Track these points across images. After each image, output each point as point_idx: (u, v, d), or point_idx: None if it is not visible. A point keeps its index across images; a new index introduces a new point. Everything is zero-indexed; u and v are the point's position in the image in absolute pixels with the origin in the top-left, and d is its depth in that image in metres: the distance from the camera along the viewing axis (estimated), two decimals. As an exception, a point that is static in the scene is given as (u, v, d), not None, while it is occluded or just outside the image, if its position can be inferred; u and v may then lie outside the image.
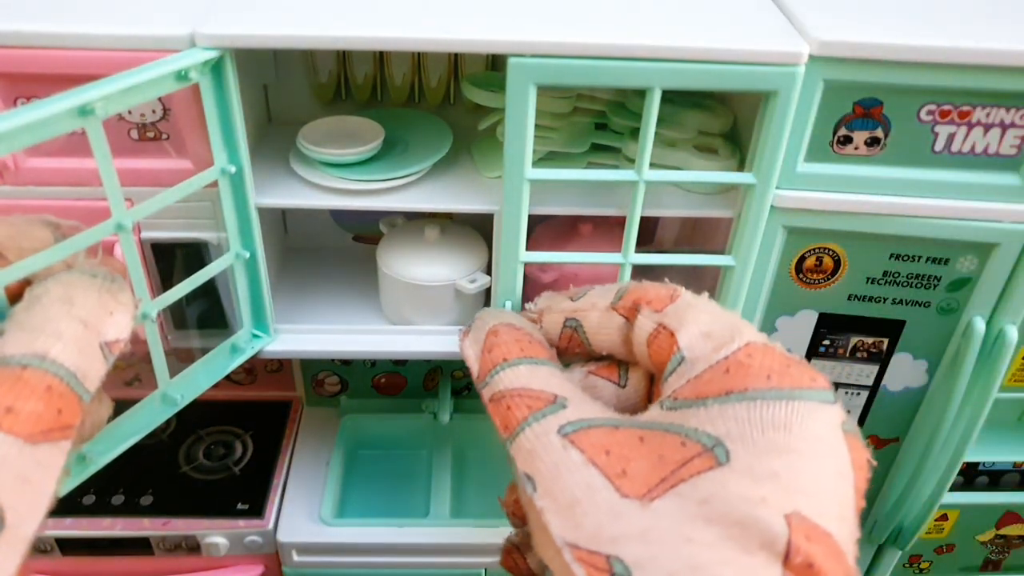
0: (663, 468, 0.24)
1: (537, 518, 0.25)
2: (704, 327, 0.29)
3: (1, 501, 0.23)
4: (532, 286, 0.65)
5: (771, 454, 0.24)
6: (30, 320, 0.27)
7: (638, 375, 0.33)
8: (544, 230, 0.65)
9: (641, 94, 0.60)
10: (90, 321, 0.29)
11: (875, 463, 0.26)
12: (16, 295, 0.31)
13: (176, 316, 0.61)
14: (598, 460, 0.25)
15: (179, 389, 0.50)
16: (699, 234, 0.69)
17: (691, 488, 0.23)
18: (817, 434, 0.24)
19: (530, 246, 0.65)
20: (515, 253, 0.49)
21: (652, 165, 0.59)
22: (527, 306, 0.39)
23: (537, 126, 0.60)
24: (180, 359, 0.55)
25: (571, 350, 0.36)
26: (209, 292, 0.59)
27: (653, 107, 0.46)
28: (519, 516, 0.33)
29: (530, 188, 0.52)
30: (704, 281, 0.65)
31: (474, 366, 0.32)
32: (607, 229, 0.63)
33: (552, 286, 0.62)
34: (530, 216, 0.61)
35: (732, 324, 0.29)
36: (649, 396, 0.33)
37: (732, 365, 0.27)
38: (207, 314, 0.60)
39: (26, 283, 0.31)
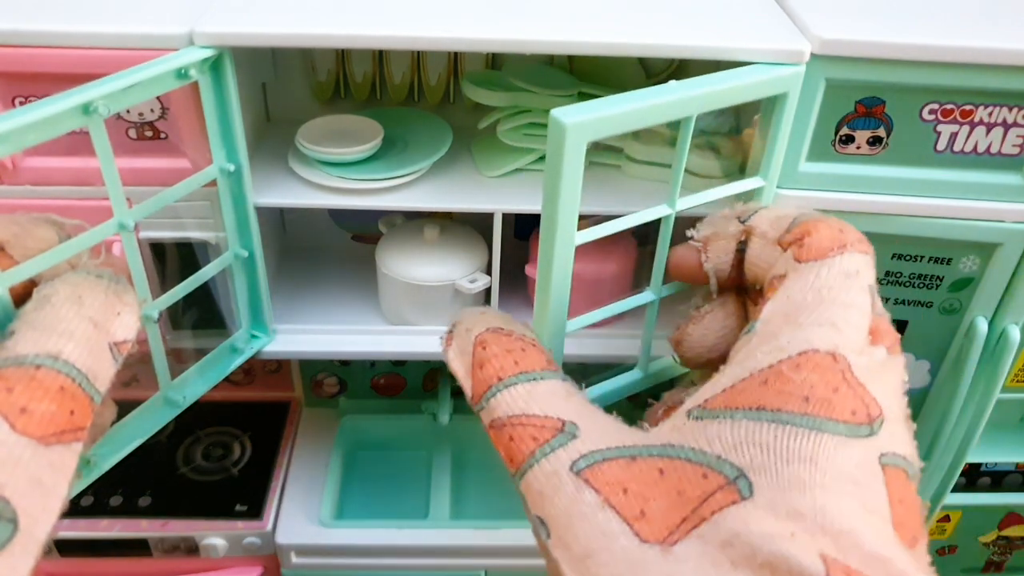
0: (684, 506, 0.22)
1: (554, 568, 0.24)
2: (797, 300, 0.26)
3: (15, 504, 0.23)
4: (533, 287, 0.65)
5: (795, 489, 0.22)
6: (41, 320, 0.27)
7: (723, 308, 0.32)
8: (544, 230, 0.64)
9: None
10: (99, 321, 0.28)
11: (927, 503, 0.24)
12: (20, 295, 0.30)
13: (173, 317, 0.61)
14: (614, 500, 0.23)
15: (180, 391, 0.50)
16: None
17: (713, 528, 0.22)
18: (843, 469, 0.22)
19: (531, 246, 0.65)
20: (560, 325, 0.46)
21: (654, 164, 0.59)
22: (690, 234, 0.35)
23: (537, 124, 0.60)
24: (177, 360, 0.54)
25: (729, 279, 0.32)
26: (205, 292, 0.59)
27: (687, 138, 0.43)
28: None
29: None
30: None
31: (465, 383, 0.30)
32: (608, 229, 0.63)
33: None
34: (530, 216, 0.61)
35: (820, 310, 0.26)
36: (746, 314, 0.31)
37: (773, 376, 0.24)
38: (203, 314, 0.60)
39: (31, 283, 0.31)
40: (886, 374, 0.25)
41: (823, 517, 0.21)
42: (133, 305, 0.30)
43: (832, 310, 0.26)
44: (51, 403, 0.25)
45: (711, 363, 0.30)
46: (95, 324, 0.28)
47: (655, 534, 0.22)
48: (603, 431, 0.26)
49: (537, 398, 0.27)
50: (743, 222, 0.32)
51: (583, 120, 0.36)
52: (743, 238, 0.31)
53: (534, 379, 0.28)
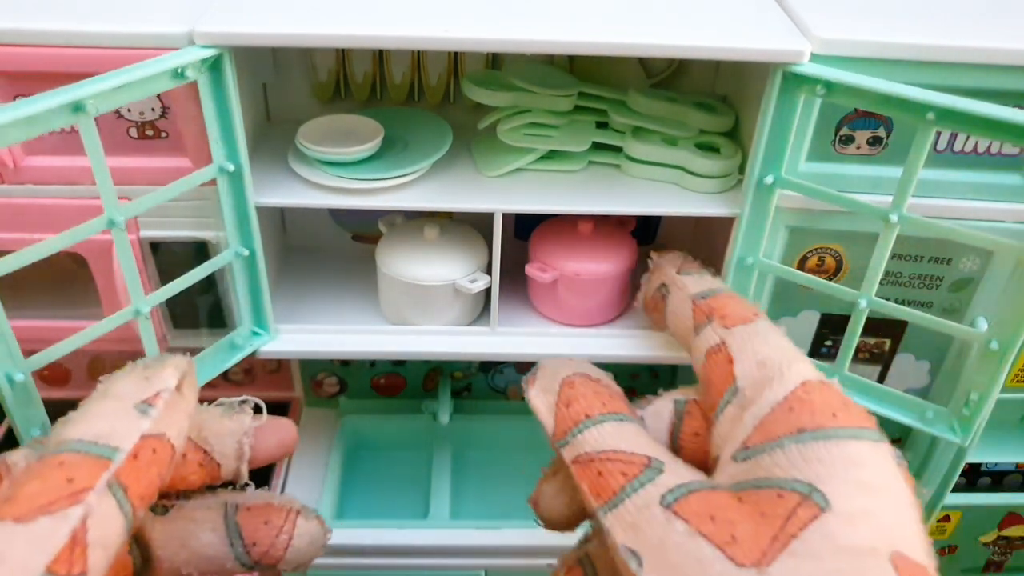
0: (770, 526, 0.23)
1: None
2: (760, 355, 0.30)
3: None
4: (538, 288, 0.65)
5: (861, 492, 0.24)
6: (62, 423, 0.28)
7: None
8: (544, 230, 0.64)
9: (644, 93, 0.61)
10: (121, 395, 0.29)
11: (925, 491, 0.26)
12: None
13: (175, 316, 0.61)
14: (704, 529, 0.24)
15: None
16: (701, 230, 0.69)
17: (802, 544, 0.23)
18: (888, 467, 0.25)
19: (531, 246, 0.65)
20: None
21: (654, 163, 0.59)
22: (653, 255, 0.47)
23: (537, 125, 0.60)
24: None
25: (652, 312, 0.42)
26: (210, 293, 0.59)
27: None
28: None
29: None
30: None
31: (547, 420, 0.30)
32: (608, 228, 0.63)
33: (552, 287, 0.62)
34: (530, 216, 0.61)
35: (787, 354, 0.29)
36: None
37: (795, 402, 0.27)
38: (207, 315, 0.60)
39: None
40: None
41: (888, 515, 0.24)
42: (165, 368, 0.31)
43: (792, 351, 0.30)
44: (43, 482, 0.25)
45: (570, 521, 0.31)
46: (114, 398, 0.28)
47: (749, 557, 0.23)
48: (683, 467, 0.27)
49: (625, 436, 0.28)
50: (678, 273, 0.43)
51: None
52: (669, 283, 0.43)
53: (620, 420, 0.29)
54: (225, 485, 0.34)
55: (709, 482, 0.26)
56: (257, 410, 0.35)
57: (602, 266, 0.61)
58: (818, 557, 0.22)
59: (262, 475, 0.80)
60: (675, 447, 0.31)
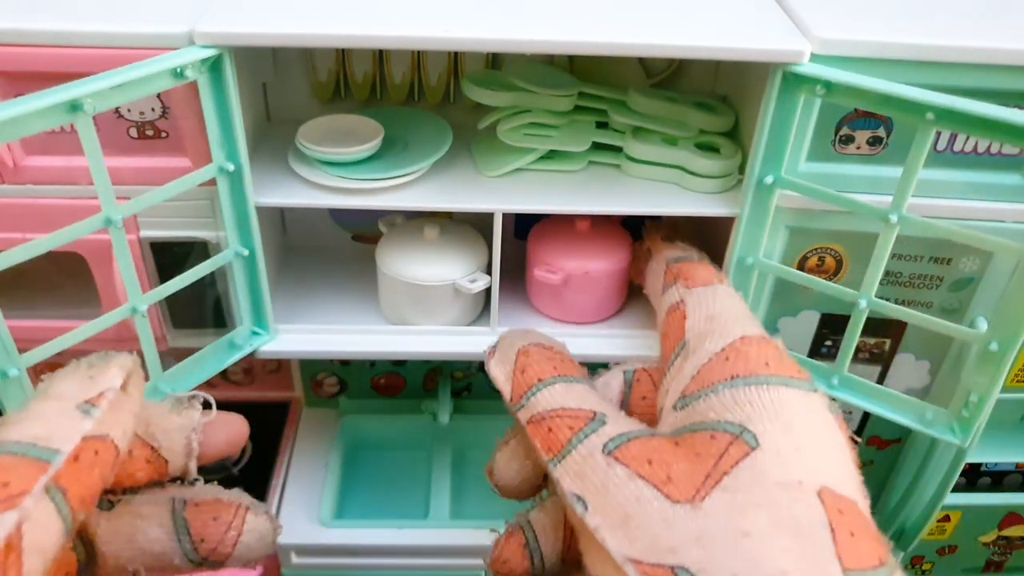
0: (703, 465, 0.25)
1: (591, 537, 0.25)
2: (711, 312, 0.31)
3: None
4: (538, 287, 0.65)
5: (790, 431, 0.25)
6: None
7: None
8: (541, 229, 0.64)
9: (644, 93, 0.61)
10: (63, 395, 0.28)
11: (859, 440, 0.27)
12: None
13: (175, 316, 0.61)
14: (642, 471, 0.25)
15: (169, 382, 0.50)
16: (701, 230, 0.68)
17: (733, 480, 0.24)
18: (818, 413, 0.26)
19: (529, 246, 0.65)
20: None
21: (654, 163, 0.59)
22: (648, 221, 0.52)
23: (537, 124, 0.60)
24: (179, 360, 0.54)
25: (637, 276, 0.47)
26: (210, 293, 0.59)
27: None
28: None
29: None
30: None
31: (505, 387, 0.32)
32: (606, 227, 0.63)
33: (560, 286, 0.62)
34: (528, 215, 0.61)
35: (737, 313, 0.31)
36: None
37: (731, 352, 0.28)
38: (208, 315, 0.60)
39: None
40: None
41: (817, 453, 0.25)
42: (109, 367, 0.29)
43: (743, 312, 0.32)
44: None
45: (521, 489, 0.34)
46: (56, 398, 0.27)
47: (684, 494, 0.24)
48: (626, 419, 0.29)
49: (573, 395, 0.30)
50: (662, 240, 0.45)
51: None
52: (650, 250, 0.46)
53: (570, 381, 0.31)
54: (173, 480, 0.33)
55: (649, 430, 0.28)
56: (207, 406, 0.34)
57: (605, 262, 0.61)
58: (748, 491, 0.24)
59: (261, 475, 0.80)
60: (625, 414, 0.33)
